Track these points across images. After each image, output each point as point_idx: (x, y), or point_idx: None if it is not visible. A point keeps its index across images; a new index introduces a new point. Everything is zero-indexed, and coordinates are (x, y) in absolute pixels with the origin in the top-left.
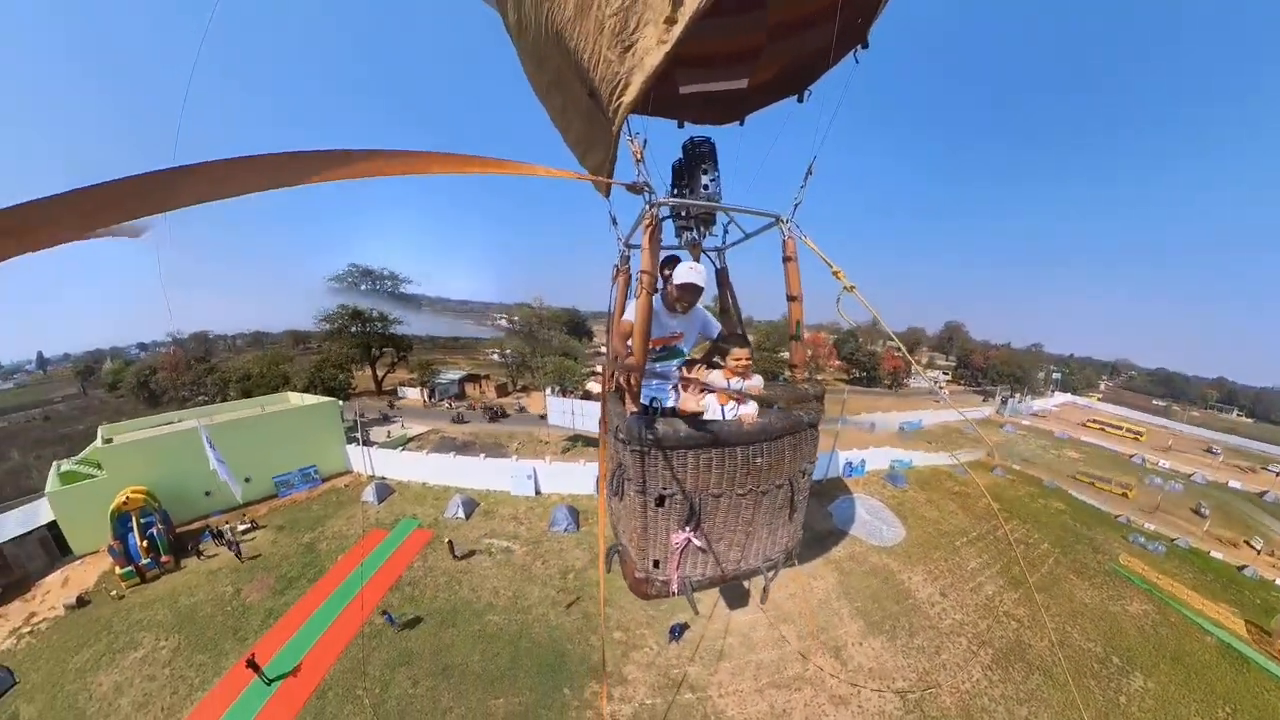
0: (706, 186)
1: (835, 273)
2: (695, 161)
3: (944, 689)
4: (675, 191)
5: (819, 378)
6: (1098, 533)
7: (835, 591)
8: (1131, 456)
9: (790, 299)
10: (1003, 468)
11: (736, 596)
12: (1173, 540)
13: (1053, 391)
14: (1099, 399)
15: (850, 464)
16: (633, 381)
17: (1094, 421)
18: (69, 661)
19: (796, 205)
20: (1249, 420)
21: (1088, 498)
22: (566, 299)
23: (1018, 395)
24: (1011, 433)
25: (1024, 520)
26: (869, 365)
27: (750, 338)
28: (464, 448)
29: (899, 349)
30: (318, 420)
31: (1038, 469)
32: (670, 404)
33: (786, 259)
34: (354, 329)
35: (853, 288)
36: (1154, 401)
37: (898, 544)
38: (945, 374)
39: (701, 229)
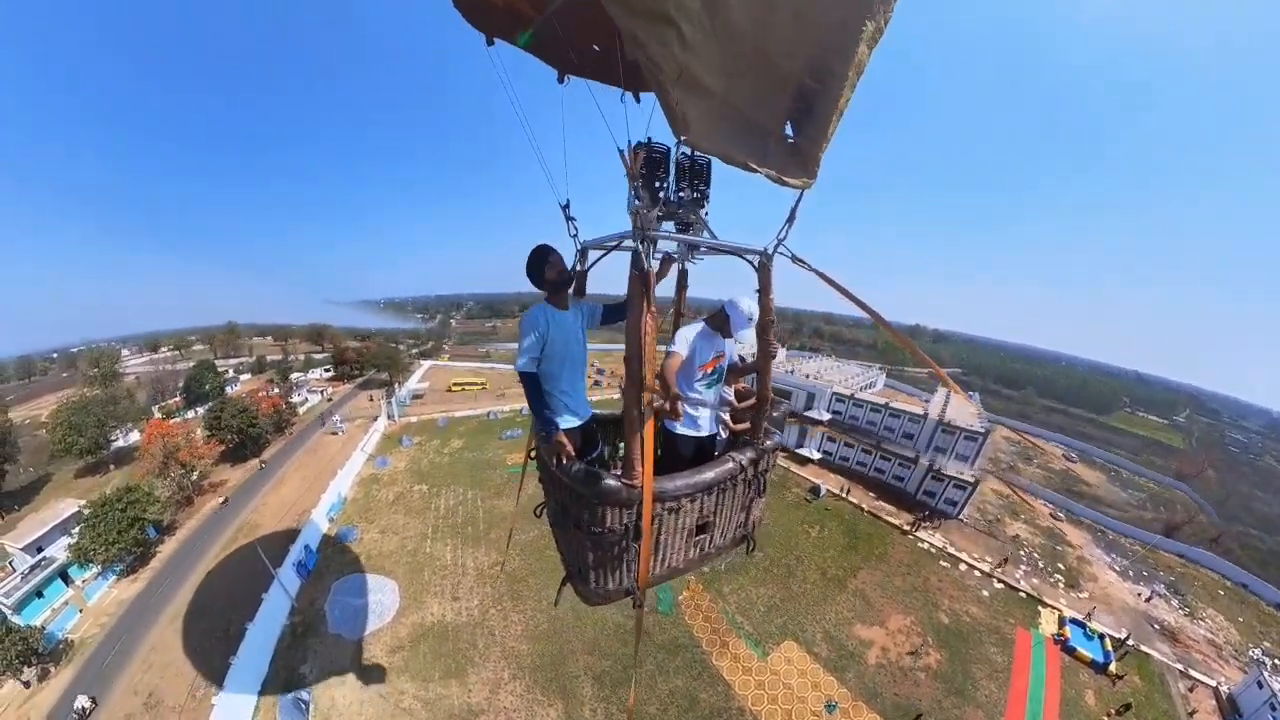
0: (672, 195)
1: (869, 311)
2: (652, 168)
3: None
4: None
5: None
6: None
7: None
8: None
9: (766, 327)
10: None
11: None
12: None
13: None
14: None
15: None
16: (676, 411)
17: (456, 384)
18: None
19: (780, 242)
20: None
21: None
22: None
23: (397, 384)
24: (409, 445)
25: None
26: None
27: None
28: None
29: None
30: None
31: None
32: (707, 432)
33: (760, 290)
34: None
35: (902, 336)
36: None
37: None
38: (328, 370)
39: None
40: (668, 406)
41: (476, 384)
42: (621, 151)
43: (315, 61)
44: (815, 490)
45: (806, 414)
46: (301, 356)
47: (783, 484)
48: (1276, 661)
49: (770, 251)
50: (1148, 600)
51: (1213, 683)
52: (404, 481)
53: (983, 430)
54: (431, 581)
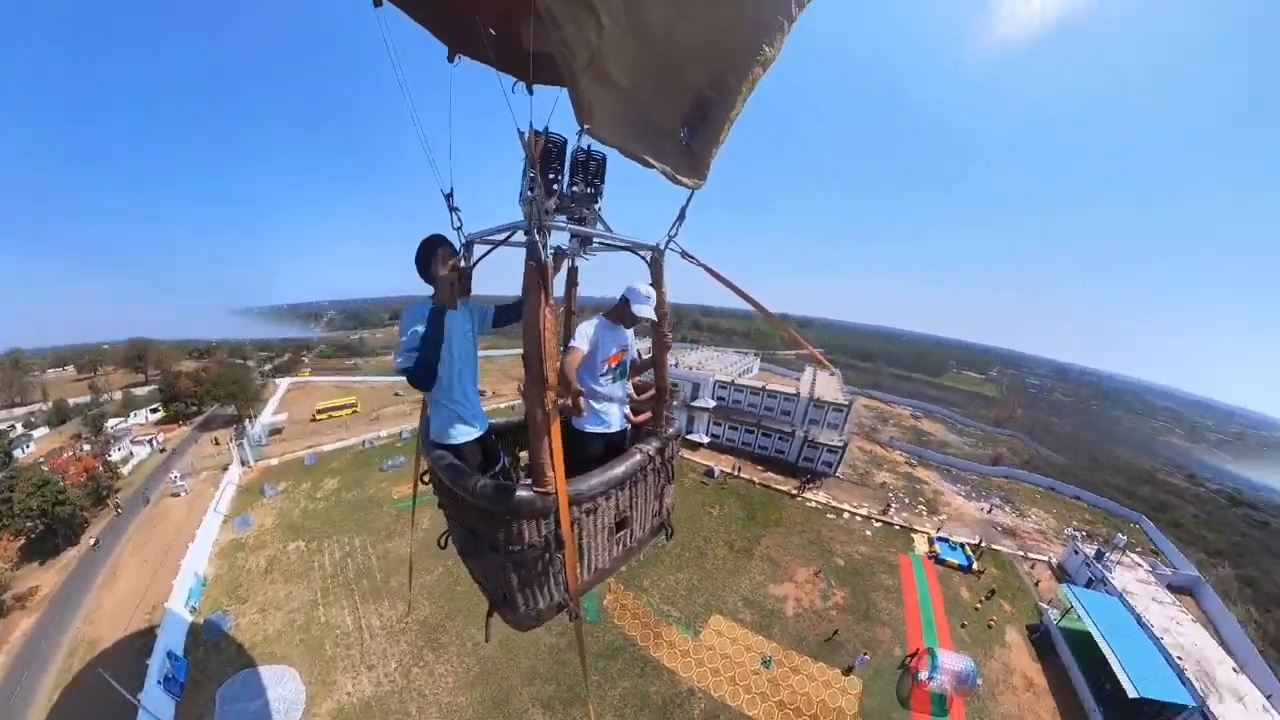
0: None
1: (752, 301)
2: (547, 159)
3: None
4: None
5: None
6: None
7: None
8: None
9: (660, 320)
10: None
11: None
12: None
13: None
14: (309, 373)
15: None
16: (579, 407)
17: (320, 411)
18: None
19: (671, 238)
20: None
21: None
22: None
23: (248, 419)
24: (273, 495)
25: None
26: None
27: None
28: None
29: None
30: None
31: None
32: (616, 428)
33: (653, 285)
34: None
35: (779, 321)
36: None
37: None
38: (155, 409)
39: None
40: (570, 403)
41: (346, 408)
42: (522, 134)
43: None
44: (710, 472)
45: (693, 403)
46: (118, 393)
47: (679, 470)
48: (1083, 534)
49: (662, 247)
50: (989, 512)
51: (1045, 558)
52: (275, 541)
53: (846, 402)
54: (337, 655)
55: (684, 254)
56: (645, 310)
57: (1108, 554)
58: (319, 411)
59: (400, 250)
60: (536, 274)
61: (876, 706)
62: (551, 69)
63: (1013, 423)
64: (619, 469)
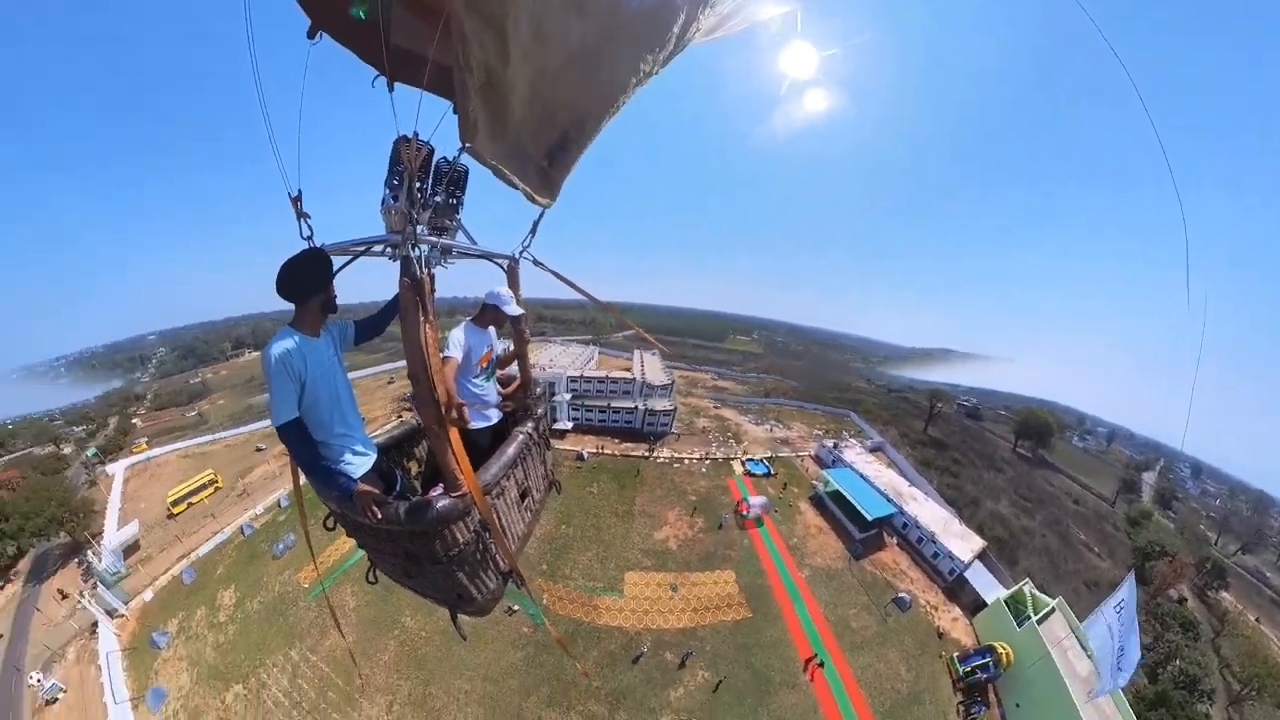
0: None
1: (591, 298)
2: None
3: None
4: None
5: None
6: None
7: None
8: None
9: (518, 319)
10: None
11: None
12: None
13: None
14: (147, 445)
15: None
16: (464, 418)
17: (175, 504)
18: None
19: (525, 248)
20: None
21: None
22: None
23: (92, 550)
24: (164, 643)
25: None
26: None
27: None
28: None
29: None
30: None
31: None
32: (497, 419)
33: (510, 289)
34: None
35: (615, 310)
36: None
37: None
38: None
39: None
40: (456, 416)
41: (205, 488)
42: (406, 139)
43: None
44: (580, 456)
45: (553, 398)
46: None
47: (556, 460)
48: (825, 433)
49: (517, 256)
50: (771, 430)
51: (808, 453)
52: (207, 702)
53: (670, 381)
54: None
55: (535, 261)
56: (514, 309)
57: (840, 444)
58: (173, 504)
59: (235, 264)
60: (413, 292)
61: (747, 580)
62: (418, 70)
63: (773, 368)
64: (510, 451)
